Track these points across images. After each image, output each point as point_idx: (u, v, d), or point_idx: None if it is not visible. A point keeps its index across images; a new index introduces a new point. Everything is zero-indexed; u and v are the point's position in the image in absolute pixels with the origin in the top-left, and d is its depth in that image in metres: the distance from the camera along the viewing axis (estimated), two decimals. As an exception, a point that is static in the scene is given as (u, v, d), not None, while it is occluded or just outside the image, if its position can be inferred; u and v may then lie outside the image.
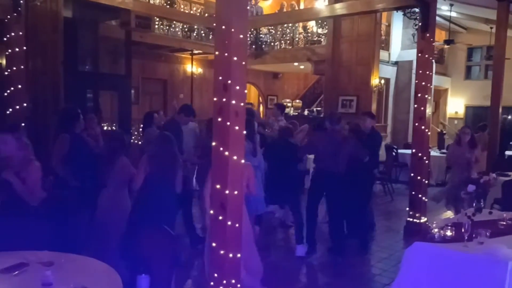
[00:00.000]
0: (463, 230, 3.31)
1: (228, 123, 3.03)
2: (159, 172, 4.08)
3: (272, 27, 13.56)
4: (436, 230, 3.47)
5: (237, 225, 3.12)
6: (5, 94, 5.41)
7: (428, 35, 6.10)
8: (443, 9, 11.49)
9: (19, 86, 5.38)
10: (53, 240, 3.17)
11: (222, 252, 3.10)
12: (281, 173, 5.44)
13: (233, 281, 3.14)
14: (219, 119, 3.08)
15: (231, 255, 3.10)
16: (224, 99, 3.04)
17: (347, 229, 5.92)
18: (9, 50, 5.41)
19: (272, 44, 14.05)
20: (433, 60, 6.35)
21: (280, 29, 13.80)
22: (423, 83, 6.13)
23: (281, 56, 13.74)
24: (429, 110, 6.20)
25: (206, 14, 12.32)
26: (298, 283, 4.85)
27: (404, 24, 13.04)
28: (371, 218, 6.46)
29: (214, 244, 3.17)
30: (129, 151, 4.83)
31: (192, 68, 13.80)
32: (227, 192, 3.06)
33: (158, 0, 11.56)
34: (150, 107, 11.75)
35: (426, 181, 6.33)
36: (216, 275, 3.14)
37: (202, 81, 14.19)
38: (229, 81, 3.02)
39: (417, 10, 6.25)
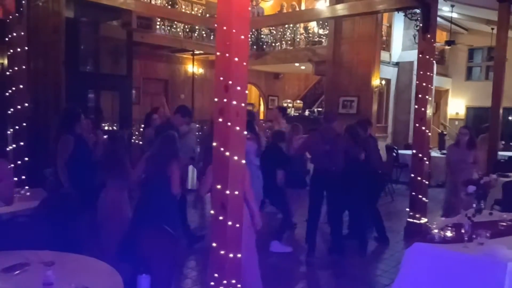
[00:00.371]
0: (463, 231, 3.32)
1: (229, 124, 3.04)
2: (155, 172, 4.10)
3: (273, 27, 13.57)
4: (436, 230, 3.48)
5: (237, 225, 3.13)
6: (7, 94, 5.42)
7: (429, 36, 6.11)
8: (444, 10, 11.50)
9: (21, 86, 5.39)
10: (54, 239, 3.19)
11: (222, 252, 3.10)
12: (265, 173, 5.54)
13: (234, 281, 3.14)
14: (220, 120, 3.09)
15: (231, 255, 3.11)
16: (225, 100, 3.05)
17: (348, 228, 5.94)
18: (11, 50, 5.42)
19: (273, 44, 14.07)
20: (434, 61, 6.34)
21: (281, 30, 13.81)
22: (424, 84, 6.13)
23: (282, 57, 13.75)
24: (429, 111, 6.20)
25: (207, 15, 12.34)
26: (298, 283, 4.86)
27: (405, 25, 13.05)
28: (377, 221, 6.23)
29: (214, 244, 3.17)
30: (130, 151, 4.85)
31: (193, 68, 13.82)
32: (227, 192, 3.06)
33: (160, 1, 11.58)
34: (151, 108, 11.76)
35: (427, 182, 6.33)
36: (216, 275, 3.15)
37: (203, 81, 14.20)
38: (230, 82, 3.03)
39: (418, 11, 6.25)
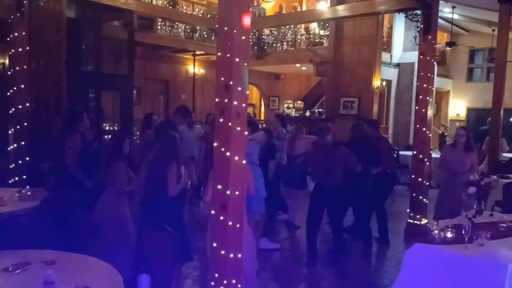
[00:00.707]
0: (463, 232, 3.31)
1: (230, 124, 3.04)
2: (156, 174, 4.09)
3: (274, 28, 13.58)
4: (436, 231, 3.48)
5: (238, 225, 3.13)
6: (8, 93, 5.44)
7: (430, 37, 6.10)
8: (445, 11, 11.50)
9: (22, 86, 5.40)
10: (55, 239, 3.19)
11: (222, 252, 3.11)
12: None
13: (234, 281, 3.15)
14: (221, 120, 3.09)
15: (231, 255, 3.11)
16: (226, 100, 3.06)
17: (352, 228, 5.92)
18: (12, 50, 5.43)
19: (274, 45, 14.08)
20: (435, 62, 6.34)
21: (282, 31, 13.82)
22: (425, 85, 6.13)
23: (283, 57, 13.76)
24: (430, 112, 6.20)
25: (209, 15, 12.35)
26: (298, 284, 4.86)
27: (406, 26, 13.05)
28: (382, 221, 6.17)
29: (215, 244, 3.18)
30: (131, 151, 4.83)
31: (194, 68, 13.82)
32: (228, 192, 3.07)
33: (161, 1, 11.59)
34: (152, 108, 11.79)
35: (427, 183, 6.33)
36: (216, 275, 3.15)
37: (204, 81, 14.21)
38: (231, 82, 3.03)
39: (419, 12, 6.25)
